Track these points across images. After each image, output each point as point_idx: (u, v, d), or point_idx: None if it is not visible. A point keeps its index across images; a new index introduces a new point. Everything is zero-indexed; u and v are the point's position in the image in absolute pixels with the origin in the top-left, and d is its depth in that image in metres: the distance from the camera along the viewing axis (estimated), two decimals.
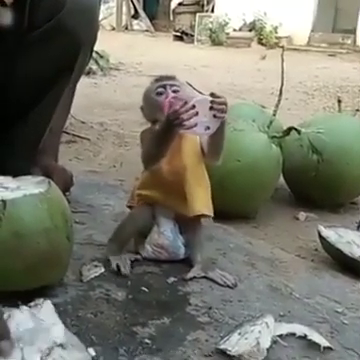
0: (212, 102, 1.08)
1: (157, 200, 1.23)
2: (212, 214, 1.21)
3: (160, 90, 1.21)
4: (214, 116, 1.09)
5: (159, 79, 1.23)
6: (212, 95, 1.09)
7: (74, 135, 2.62)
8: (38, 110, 1.50)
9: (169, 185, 1.20)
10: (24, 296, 1.02)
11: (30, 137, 1.55)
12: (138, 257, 1.24)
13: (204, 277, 1.20)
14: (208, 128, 1.11)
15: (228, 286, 1.17)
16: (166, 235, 1.23)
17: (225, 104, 1.09)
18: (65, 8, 1.36)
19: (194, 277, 1.19)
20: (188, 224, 1.24)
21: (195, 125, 1.08)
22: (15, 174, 1.13)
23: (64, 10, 1.37)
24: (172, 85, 1.21)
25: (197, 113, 1.07)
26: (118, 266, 1.17)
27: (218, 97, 1.09)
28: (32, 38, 1.38)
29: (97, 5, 1.50)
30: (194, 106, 1.06)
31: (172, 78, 1.24)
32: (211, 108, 1.08)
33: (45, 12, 1.37)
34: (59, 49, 1.41)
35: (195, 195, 1.19)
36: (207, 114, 1.09)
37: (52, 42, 1.39)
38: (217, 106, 1.08)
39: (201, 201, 1.20)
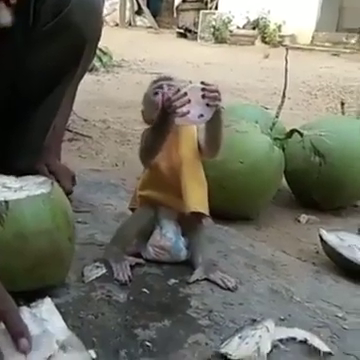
0: (203, 90, 1.09)
1: (158, 200, 1.23)
2: (207, 212, 1.21)
3: (157, 90, 1.21)
4: (207, 104, 1.10)
5: (157, 80, 1.24)
6: (203, 83, 1.10)
7: (76, 133, 2.61)
8: (43, 107, 1.51)
9: (168, 182, 1.20)
10: (25, 297, 1.02)
11: (35, 134, 1.55)
12: (140, 261, 1.24)
13: (205, 279, 1.20)
14: (202, 116, 1.11)
15: (229, 289, 1.18)
16: (168, 237, 1.23)
17: (217, 92, 1.10)
18: (70, 5, 1.37)
19: (197, 280, 1.19)
20: (190, 225, 1.24)
21: (188, 112, 1.09)
22: (20, 172, 1.14)
23: (69, 7, 1.37)
24: (169, 85, 1.21)
25: (189, 101, 1.08)
26: (118, 275, 1.17)
27: (209, 85, 1.10)
28: (37, 35, 1.39)
29: (101, 1, 1.50)
30: (186, 93, 1.08)
31: (169, 79, 1.24)
32: (203, 96, 1.09)
33: (50, 9, 1.38)
34: (64, 46, 1.41)
35: (190, 191, 1.19)
36: (200, 102, 1.10)
37: (57, 39, 1.40)
38: (209, 94, 1.09)
39: (196, 198, 1.19)
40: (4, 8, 1.25)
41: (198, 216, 1.21)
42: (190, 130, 1.22)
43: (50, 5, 1.38)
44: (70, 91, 1.58)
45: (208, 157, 1.23)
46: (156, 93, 1.22)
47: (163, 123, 1.12)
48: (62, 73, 1.46)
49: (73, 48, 1.43)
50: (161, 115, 1.10)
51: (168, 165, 1.20)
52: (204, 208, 1.20)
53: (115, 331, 1.00)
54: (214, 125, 1.15)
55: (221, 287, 1.18)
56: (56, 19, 1.37)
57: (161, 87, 1.22)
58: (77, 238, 1.16)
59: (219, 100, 1.10)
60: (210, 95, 1.09)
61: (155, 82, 1.24)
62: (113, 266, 1.19)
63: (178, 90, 1.08)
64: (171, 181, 1.20)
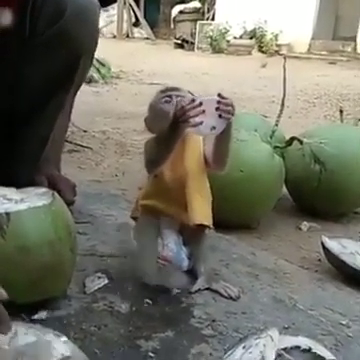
0: (219, 102, 1.08)
1: (161, 210, 1.23)
2: (211, 225, 1.21)
3: (166, 99, 1.21)
4: (220, 116, 1.09)
5: (164, 90, 1.24)
6: (219, 95, 1.09)
7: (76, 144, 2.62)
8: (41, 118, 1.51)
9: (171, 193, 1.20)
10: (27, 309, 1.02)
11: (34, 146, 1.55)
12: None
13: (208, 288, 1.20)
14: (214, 128, 1.10)
15: (231, 298, 1.17)
16: (170, 247, 1.23)
17: (232, 106, 1.10)
18: (66, 15, 1.37)
19: (199, 289, 1.19)
20: (191, 235, 1.24)
21: (201, 123, 1.08)
22: (20, 183, 1.13)
23: (65, 17, 1.37)
24: (177, 95, 1.21)
25: (204, 111, 1.07)
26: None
27: (225, 98, 1.09)
28: (33, 45, 1.39)
29: (97, 12, 1.50)
30: (201, 104, 1.07)
31: (177, 89, 1.24)
32: (217, 109, 1.08)
33: (46, 20, 1.38)
34: (60, 56, 1.41)
35: (195, 204, 1.18)
36: (214, 114, 1.09)
37: (53, 49, 1.40)
38: (224, 107, 1.09)
39: (201, 210, 1.19)
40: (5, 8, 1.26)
41: (201, 227, 1.21)
42: (196, 142, 1.21)
43: (46, 16, 1.38)
44: (67, 102, 1.58)
45: (214, 170, 1.23)
46: (166, 102, 1.21)
47: (174, 132, 1.10)
48: (59, 83, 1.46)
49: (69, 58, 1.43)
50: (172, 123, 1.09)
51: (173, 176, 1.19)
52: (208, 220, 1.20)
53: (118, 342, 0.99)
54: (224, 139, 1.15)
55: (224, 296, 1.18)
56: (51, 29, 1.38)
57: (170, 97, 1.22)
58: (78, 249, 1.15)
59: (232, 114, 1.10)
60: (225, 108, 1.08)
61: (163, 92, 1.24)
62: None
63: (193, 100, 1.07)
64: (175, 192, 1.19)
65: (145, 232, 1.24)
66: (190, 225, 1.18)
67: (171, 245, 1.23)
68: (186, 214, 1.18)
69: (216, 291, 1.19)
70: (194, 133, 1.14)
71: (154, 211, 1.23)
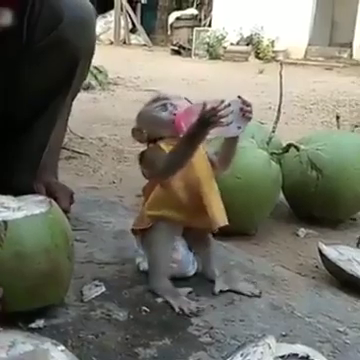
0: (243, 103, 1.14)
1: (171, 218, 1.21)
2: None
3: (162, 108, 1.22)
4: (243, 115, 1.14)
5: (156, 99, 1.25)
6: (239, 97, 1.16)
7: (73, 151, 2.62)
8: (38, 124, 1.51)
9: (182, 201, 1.20)
10: (25, 317, 1.02)
11: (32, 152, 1.55)
12: (190, 290, 1.22)
13: (229, 290, 1.22)
14: (239, 127, 1.16)
15: (255, 296, 1.21)
16: (180, 250, 1.24)
17: (250, 106, 1.16)
18: (63, 21, 1.39)
19: (221, 291, 1.21)
20: (196, 240, 1.26)
21: (231, 122, 1.13)
22: (17, 190, 1.13)
23: (63, 23, 1.39)
24: (171, 104, 1.23)
25: (232, 111, 1.12)
26: (182, 309, 1.13)
27: (245, 100, 1.16)
28: (31, 52, 1.40)
29: (94, 18, 1.52)
30: (229, 105, 1.11)
31: (167, 98, 1.25)
32: (241, 109, 1.14)
33: (43, 26, 1.40)
34: (58, 62, 1.43)
35: (214, 208, 1.20)
36: (238, 114, 1.15)
37: (51, 55, 1.41)
38: (246, 107, 1.15)
39: (220, 212, 1.22)
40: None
41: (207, 231, 1.25)
42: (200, 148, 1.22)
43: (43, 22, 1.40)
44: (65, 108, 1.59)
45: (220, 170, 1.25)
46: (162, 110, 1.21)
47: (200, 134, 1.12)
48: (56, 89, 1.47)
49: (67, 64, 1.44)
50: (200, 126, 1.11)
51: (184, 184, 1.19)
52: (226, 219, 1.23)
53: (115, 350, 0.99)
54: (235, 139, 1.20)
55: (247, 296, 1.21)
56: (49, 36, 1.39)
57: (165, 105, 1.23)
58: (76, 257, 1.15)
59: (252, 113, 1.16)
60: (247, 108, 1.14)
61: (155, 101, 1.25)
62: (174, 303, 1.16)
63: (222, 101, 1.10)
64: (186, 199, 1.19)
65: (161, 241, 1.22)
66: (214, 229, 1.21)
67: (180, 248, 1.23)
68: (199, 219, 1.20)
69: (240, 292, 1.22)
70: (221, 134, 1.18)
71: (164, 220, 1.22)
